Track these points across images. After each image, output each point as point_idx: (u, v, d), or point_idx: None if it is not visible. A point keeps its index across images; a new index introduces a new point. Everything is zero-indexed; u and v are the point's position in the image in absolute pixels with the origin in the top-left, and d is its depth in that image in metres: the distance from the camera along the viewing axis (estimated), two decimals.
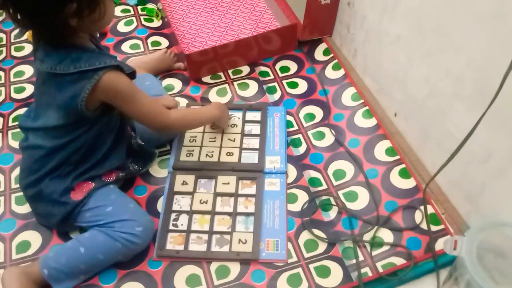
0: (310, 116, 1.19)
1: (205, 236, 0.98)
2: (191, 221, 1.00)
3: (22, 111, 1.19)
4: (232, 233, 0.97)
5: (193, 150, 1.11)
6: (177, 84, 1.27)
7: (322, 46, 1.33)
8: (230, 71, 1.30)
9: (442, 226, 0.96)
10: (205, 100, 1.23)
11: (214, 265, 0.94)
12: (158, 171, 1.09)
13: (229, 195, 1.04)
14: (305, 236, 0.97)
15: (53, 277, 0.89)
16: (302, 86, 1.26)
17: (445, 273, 0.90)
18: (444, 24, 0.89)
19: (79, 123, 0.90)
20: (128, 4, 1.49)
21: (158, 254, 0.95)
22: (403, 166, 1.06)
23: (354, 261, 0.93)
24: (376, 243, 0.95)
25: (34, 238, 0.98)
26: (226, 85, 1.27)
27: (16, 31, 1.42)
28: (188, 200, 1.03)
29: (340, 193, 1.04)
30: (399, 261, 0.92)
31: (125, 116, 0.98)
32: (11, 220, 1.01)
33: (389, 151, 1.08)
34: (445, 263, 0.91)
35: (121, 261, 0.93)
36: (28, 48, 1.37)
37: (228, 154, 1.10)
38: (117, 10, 1.47)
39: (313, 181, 1.06)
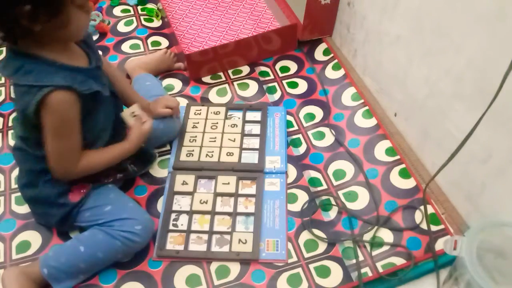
0: (310, 116, 1.19)
1: (205, 236, 0.98)
2: (191, 221, 1.00)
3: None
4: (232, 233, 0.97)
5: (193, 150, 1.11)
6: (177, 84, 1.27)
7: (322, 46, 1.33)
8: (230, 71, 1.30)
9: (442, 226, 0.96)
10: (205, 100, 1.23)
11: (214, 265, 0.94)
12: (158, 171, 1.09)
13: (229, 195, 1.04)
14: (305, 236, 0.97)
15: (53, 276, 0.89)
16: (302, 86, 1.26)
17: (445, 273, 0.90)
18: (444, 24, 0.89)
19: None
20: (128, 4, 1.49)
21: (158, 254, 0.95)
22: (403, 166, 1.06)
23: (354, 261, 0.93)
24: (376, 243, 0.95)
25: (34, 238, 0.98)
26: (226, 85, 1.27)
27: None
28: (188, 200, 1.03)
29: (340, 193, 1.04)
30: (399, 261, 0.92)
31: (120, 119, 0.96)
32: (11, 220, 1.01)
33: (389, 151, 1.08)
34: (445, 263, 0.91)
35: (121, 261, 0.94)
36: None
37: (228, 154, 1.10)
38: (117, 10, 1.47)
39: (313, 181, 1.06)
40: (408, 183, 1.03)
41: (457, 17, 0.85)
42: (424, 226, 0.96)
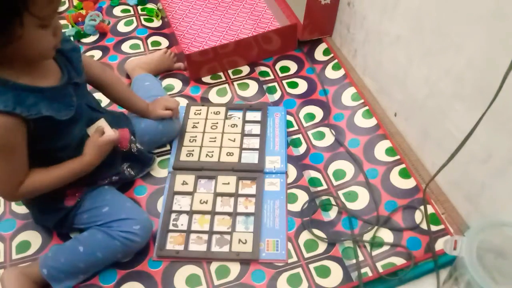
0: (310, 116, 1.19)
1: (205, 236, 0.98)
2: (191, 221, 1.00)
3: None
4: (232, 233, 0.97)
5: (193, 150, 1.11)
6: (177, 84, 1.27)
7: (322, 46, 1.33)
8: (230, 71, 1.30)
9: (442, 226, 0.96)
10: (205, 100, 1.23)
11: (214, 265, 0.94)
12: (158, 171, 1.09)
13: (229, 195, 1.04)
14: (305, 236, 0.97)
15: (53, 276, 0.89)
16: (302, 86, 1.26)
17: (445, 273, 0.90)
18: (444, 24, 0.89)
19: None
20: (128, 4, 1.49)
21: (158, 254, 0.95)
22: (403, 166, 1.06)
23: (354, 261, 0.93)
24: (376, 243, 0.95)
25: (34, 238, 0.98)
26: (226, 85, 1.27)
27: None
28: (188, 200, 1.03)
29: (340, 193, 1.04)
30: (399, 261, 0.92)
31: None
32: (11, 220, 1.01)
33: (389, 151, 1.08)
34: (445, 263, 0.91)
35: (120, 261, 0.94)
36: None
37: (228, 154, 1.10)
38: (117, 10, 1.47)
39: (313, 181, 1.06)
40: (408, 183, 1.03)
41: (457, 17, 0.84)
42: (424, 226, 0.96)
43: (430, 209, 0.99)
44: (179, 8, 1.50)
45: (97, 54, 1.35)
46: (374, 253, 0.94)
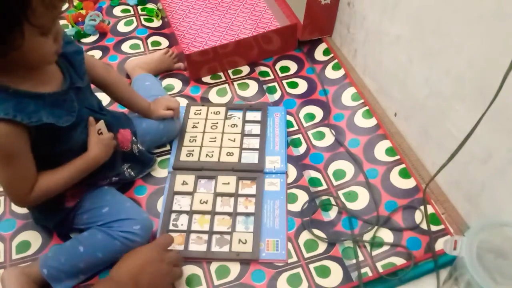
0: (310, 116, 1.19)
1: (205, 236, 0.98)
2: (191, 221, 1.00)
3: None
4: (232, 233, 0.97)
5: (193, 150, 1.11)
6: (177, 84, 1.27)
7: (322, 46, 1.33)
8: (230, 71, 1.30)
9: (442, 226, 0.96)
10: (205, 100, 1.23)
11: (214, 265, 0.94)
12: (158, 171, 1.09)
13: (229, 195, 1.04)
14: (305, 236, 0.97)
15: (53, 276, 0.89)
16: (302, 86, 1.26)
17: (445, 273, 0.90)
18: (444, 24, 0.89)
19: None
20: (128, 4, 1.49)
21: None
22: (403, 166, 1.06)
23: (354, 261, 0.93)
24: (376, 243, 0.95)
25: (34, 238, 0.98)
26: (226, 85, 1.27)
27: None
28: (188, 200, 1.03)
29: (340, 193, 1.04)
30: (399, 261, 0.92)
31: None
32: (11, 220, 1.01)
33: (389, 151, 1.08)
34: (445, 263, 0.91)
35: None
36: None
37: (228, 154, 1.10)
38: (117, 10, 1.47)
39: (313, 181, 1.06)
40: (408, 183, 1.03)
41: (457, 17, 0.84)
42: (424, 226, 0.96)
43: (430, 209, 0.99)
44: (179, 8, 1.50)
45: (97, 54, 1.35)
46: (374, 253, 0.94)
